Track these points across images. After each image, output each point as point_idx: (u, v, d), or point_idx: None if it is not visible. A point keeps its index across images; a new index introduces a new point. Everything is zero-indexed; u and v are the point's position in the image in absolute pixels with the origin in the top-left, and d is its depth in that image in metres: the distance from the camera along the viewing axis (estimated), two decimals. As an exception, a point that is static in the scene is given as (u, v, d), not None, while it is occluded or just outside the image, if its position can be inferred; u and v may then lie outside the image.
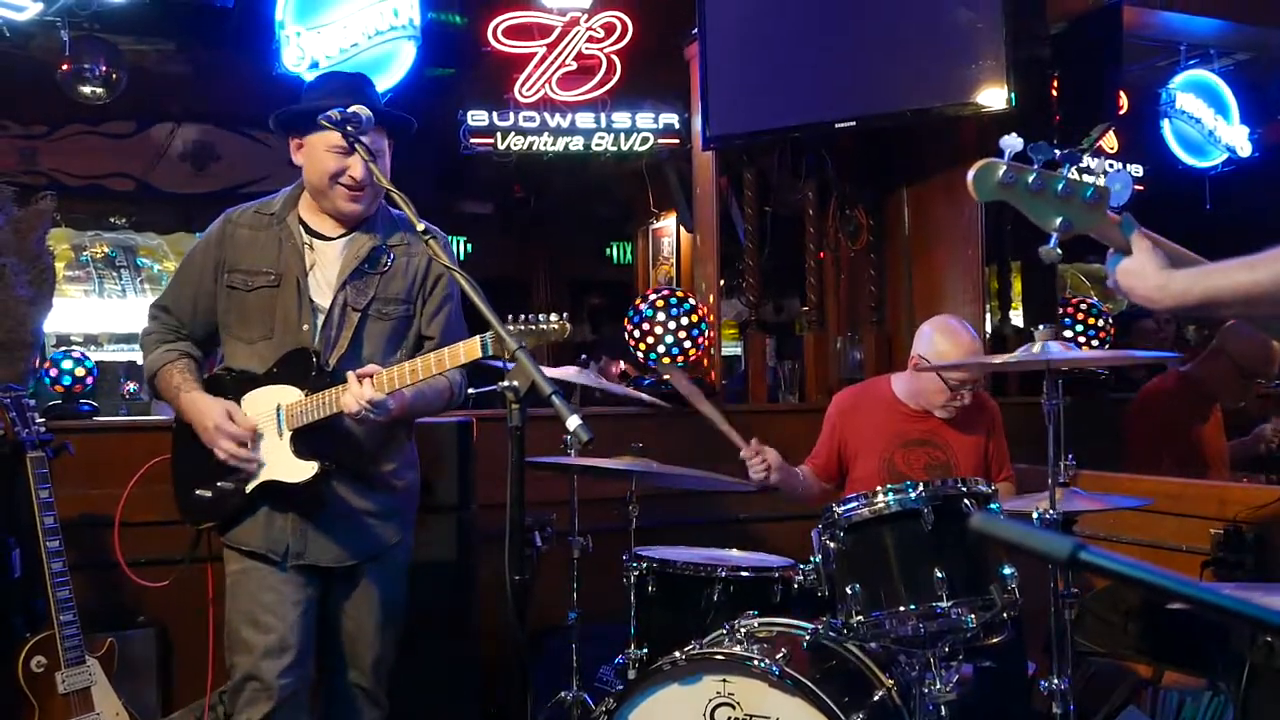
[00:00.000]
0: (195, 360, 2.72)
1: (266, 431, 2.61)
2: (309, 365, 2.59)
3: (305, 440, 2.59)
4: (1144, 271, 1.68)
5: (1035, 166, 1.70)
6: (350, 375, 2.49)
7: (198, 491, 2.64)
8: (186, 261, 2.78)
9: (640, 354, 4.42)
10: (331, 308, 2.65)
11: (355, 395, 2.47)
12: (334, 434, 2.60)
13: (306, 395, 2.57)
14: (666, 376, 3.61)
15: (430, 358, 2.48)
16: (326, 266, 2.68)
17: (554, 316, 2.40)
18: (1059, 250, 1.70)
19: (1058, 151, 1.70)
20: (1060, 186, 1.69)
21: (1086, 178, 1.76)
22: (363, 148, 2.49)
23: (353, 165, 2.60)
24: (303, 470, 2.58)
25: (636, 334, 4.39)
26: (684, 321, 4.36)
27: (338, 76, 2.79)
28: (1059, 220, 1.69)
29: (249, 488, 2.61)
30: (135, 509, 2.96)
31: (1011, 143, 1.70)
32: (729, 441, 3.23)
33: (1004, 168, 1.69)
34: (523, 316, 2.39)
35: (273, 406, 2.61)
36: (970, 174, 1.69)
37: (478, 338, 2.38)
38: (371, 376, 2.48)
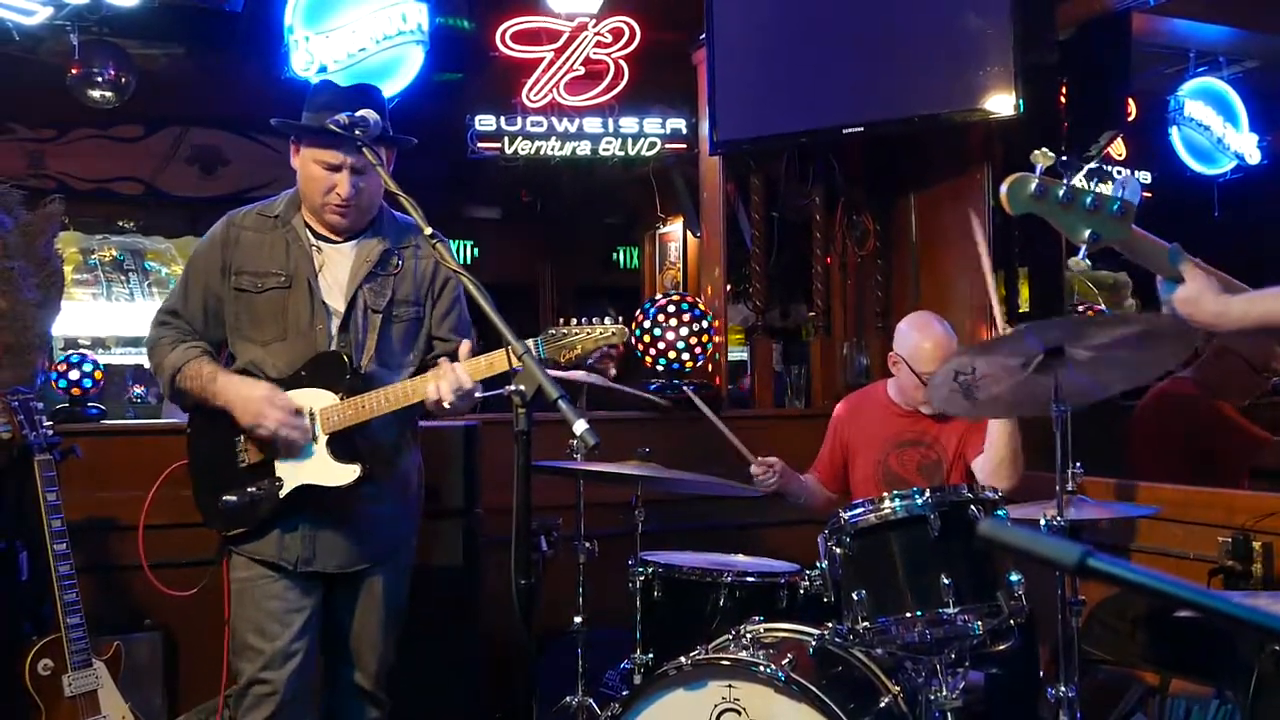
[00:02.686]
0: (215, 357, 2.71)
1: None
2: (342, 369, 2.59)
3: (342, 443, 2.58)
4: (1202, 299, 1.79)
5: (1065, 181, 1.77)
6: (443, 361, 2.50)
7: (225, 497, 2.61)
8: (191, 265, 2.76)
9: (647, 359, 4.41)
10: (352, 310, 2.65)
11: (450, 382, 2.45)
12: (365, 436, 2.61)
13: (342, 399, 2.57)
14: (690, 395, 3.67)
15: (504, 351, 2.47)
16: (335, 268, 2.68)
17: (609, 320, 2.42)
18: (1088, 261, 1.79)
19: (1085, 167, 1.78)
20: (1089, 200, 1.77)
21: (1100, 186, 1.82)
22: (371, 152, 2.48)
23: (340, 183, 2.60)
24: (343, 474, 2.57)
25: (644, 339, 4.38)
26: (691, 327, 4.36)
27: (336, 87, 2.72)
28: (1088, 232, 1.77)
29: (284, 492, 2.59)
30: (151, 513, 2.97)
31: (1042, 158, 1.77)
32: (738, 455, 3.27)
33: (1035, 181, 1.76)
34: (577, 320, 2.40)
35: (305, 410, 2.59)
36: (1003, 188, 1.77)
37: (501, 351, 2.39)
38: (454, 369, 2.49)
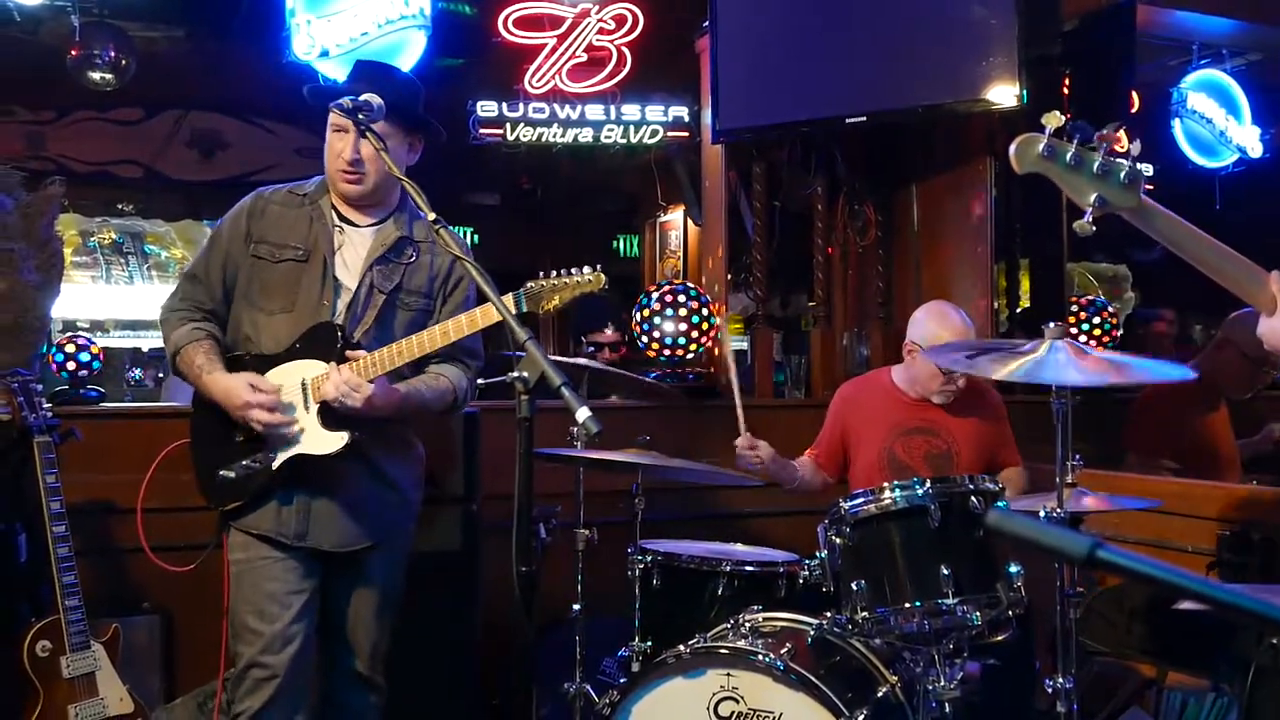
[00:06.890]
0: (218, 341, 2.72)
1: (293, 406, 2.61)
2: (334, 339, 2.60)
3: (332, 412, 2.59)
4: None
5: (1073, 144, 1.76)
6: (330, 366, 2.52)
7: (222, 473, 2.64)
8: (216, 232, 2.80)
9: (646, 348, 4.41)
10: (359, 287, 2.68)
11: (334, 381, 2.50)
12: None
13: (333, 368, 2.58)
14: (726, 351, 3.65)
15: (423, 335, 2.56)
16: (353, 249, 2.72)
17: (586, 269, 2.43)
18: (1093, 226, 1.78)
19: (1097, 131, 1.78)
20: (1096, 165, 1.77)
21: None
22: (374, 136, 2.50)
23: (344, 147, 2.63)
24: (332, 441, 2.58)
25: (643, 327, 4.38)
26: (691, 316, 4.36)
27: (364, 64, 2.84)
28: (1094, 196, 1.77)
29: (276, 464, 2.61)
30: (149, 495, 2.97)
31: (1052, 120, 1.76)
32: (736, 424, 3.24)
33: (1044, 141, 1.76)
34: (554, 271, 2.41)
35: (297, 381, 2.61)
36: (1012, 146, 1.77)
37: (477, 309, 2.43)
38: (358, 360, 2.52)
